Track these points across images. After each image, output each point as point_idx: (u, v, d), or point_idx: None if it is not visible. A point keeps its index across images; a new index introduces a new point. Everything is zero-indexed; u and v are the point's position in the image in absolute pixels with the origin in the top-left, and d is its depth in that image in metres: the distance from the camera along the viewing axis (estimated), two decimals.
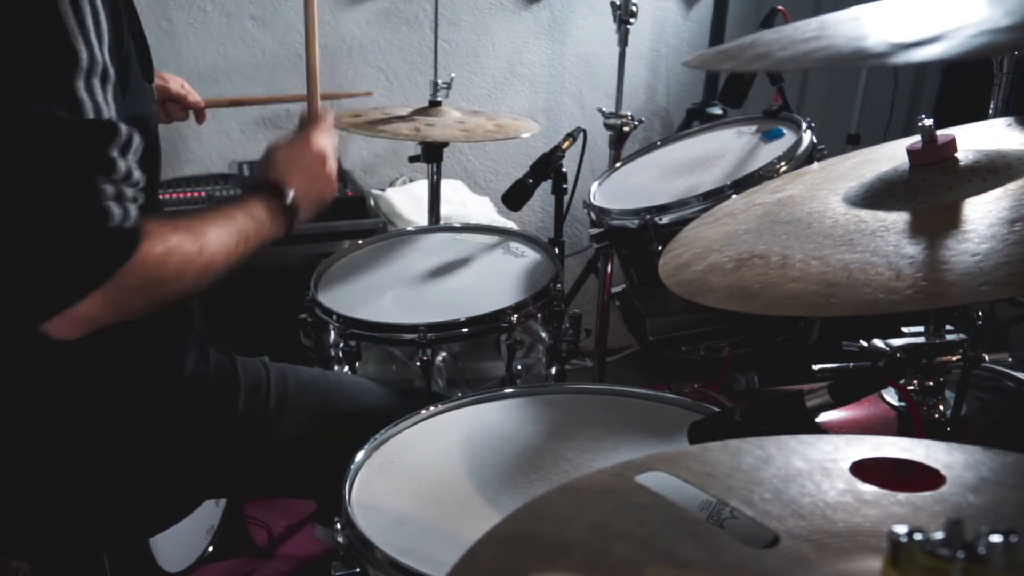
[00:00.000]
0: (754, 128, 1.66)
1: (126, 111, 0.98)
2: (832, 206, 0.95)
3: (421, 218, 2.25)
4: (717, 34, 2.76)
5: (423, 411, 1.15)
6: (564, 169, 1.84)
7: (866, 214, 0.90)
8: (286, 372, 1.26)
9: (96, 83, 0.93)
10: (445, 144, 1.95)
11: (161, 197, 2.08)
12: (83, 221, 0.93)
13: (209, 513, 1.91)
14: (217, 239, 1.08)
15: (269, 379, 1.23)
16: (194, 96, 1.64)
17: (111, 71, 0.95)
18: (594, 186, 1.67)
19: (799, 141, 1.44)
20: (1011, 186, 0.84)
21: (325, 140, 1.29)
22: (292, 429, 1.21)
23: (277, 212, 1.18)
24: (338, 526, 0.95)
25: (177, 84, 1.62)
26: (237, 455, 1.19)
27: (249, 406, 1.19)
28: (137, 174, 0.97)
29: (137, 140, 0.97)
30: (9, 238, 0.94)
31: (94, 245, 0.94)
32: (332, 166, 1.29)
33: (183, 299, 1.07)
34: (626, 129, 2.14)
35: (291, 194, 1.20)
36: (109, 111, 0.94)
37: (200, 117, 1.68)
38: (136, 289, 0.98)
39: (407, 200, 2.39)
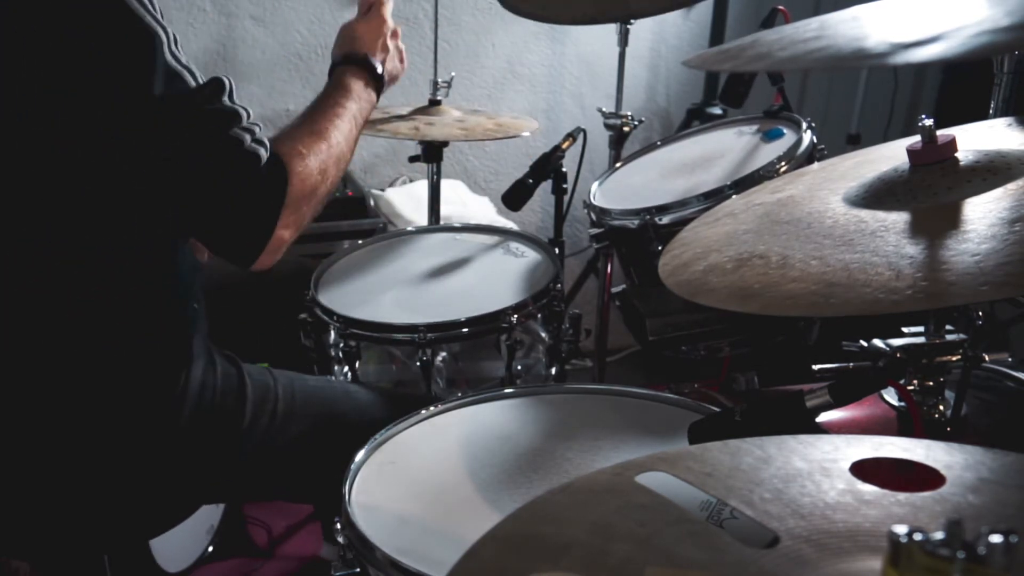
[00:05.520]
0: (754, 128, 1.65)
1: None
2: (832, 206, 0.95)
3: (421, 218, 2.24)
4: (717, 34, 2.76)
5: (423, 411, 1.15)
6: (564, 169, 1.83)
7: (866, 214, 0.90)
8: (294, 383, 1.25)
9: (177, 50, 1.01)
10: (445, 144, 1.95)
11: None
12: (242, 171, 1.04)
13: (209, 513, 1.90)
14: (338, 131, 1.20)
15: (277, 391, 1.22)
16: None
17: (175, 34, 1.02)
18: (594, 186, 1.67)
19: (799, 141, 1.44)
20: (1011, 186, 0.84)
21: (389, 18, 1.42)
22: (297, 438, 1.21)
23: (370, 84, 1.32)
24: (338, 526, 0.95)
25: None
26: (240, 465, 1.19)
27: (256, 418, 1.19)
28: (249, 109, 1.06)
29: (231, 80, 1.06)
30: (193, 212, 1.06)
31: (261, 184, 1.06)
32: (400, 44, 1.44)
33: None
34: (626, 129, 2.13)
35: (379, 65, 1.34)
36: (195, 68, 1.02)
37: None
38: (301, 202, 1.10)
39: (407, 200, 2.39)
